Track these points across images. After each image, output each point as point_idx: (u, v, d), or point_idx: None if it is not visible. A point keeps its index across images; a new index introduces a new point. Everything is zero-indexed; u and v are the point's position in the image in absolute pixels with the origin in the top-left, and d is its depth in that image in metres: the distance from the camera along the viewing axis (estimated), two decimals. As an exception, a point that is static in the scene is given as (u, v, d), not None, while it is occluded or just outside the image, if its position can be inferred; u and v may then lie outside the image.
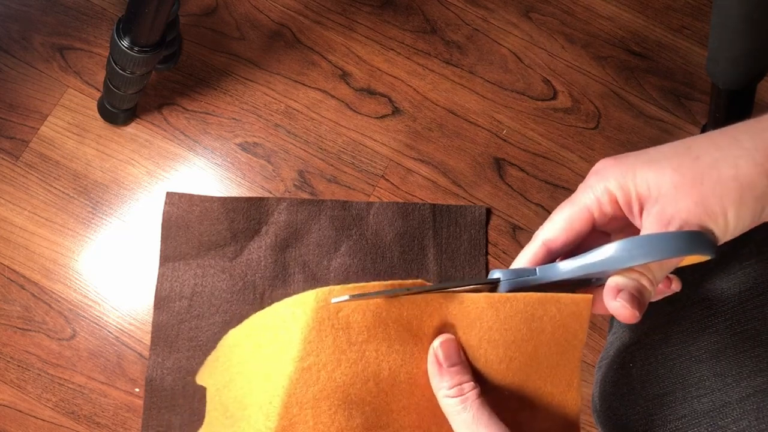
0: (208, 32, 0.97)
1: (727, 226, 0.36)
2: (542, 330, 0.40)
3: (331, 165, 0.93)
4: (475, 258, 0.91)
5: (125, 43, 0.77)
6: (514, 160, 0.95)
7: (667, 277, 0.42)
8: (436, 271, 0.88)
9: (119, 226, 0.90)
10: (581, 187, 0.40)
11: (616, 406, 0.54)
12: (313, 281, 0.88)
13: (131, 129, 0.93)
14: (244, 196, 0.91)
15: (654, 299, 0.43)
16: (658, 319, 0.52)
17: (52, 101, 0.93)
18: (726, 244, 0.50)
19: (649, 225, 0.37)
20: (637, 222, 0.39)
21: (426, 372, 0.39)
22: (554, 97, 0.98)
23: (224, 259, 0.88)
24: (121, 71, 0.80)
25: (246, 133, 0.94)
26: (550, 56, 1.00)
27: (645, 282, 0.37)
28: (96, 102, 0.93)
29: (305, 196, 0.92)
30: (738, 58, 0.80)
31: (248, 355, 0.40)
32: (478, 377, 0.40)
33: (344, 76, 0.97)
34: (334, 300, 0.36)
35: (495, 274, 0.40)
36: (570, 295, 0.41)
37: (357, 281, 0.93)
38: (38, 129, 0.92)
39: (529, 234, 0.88)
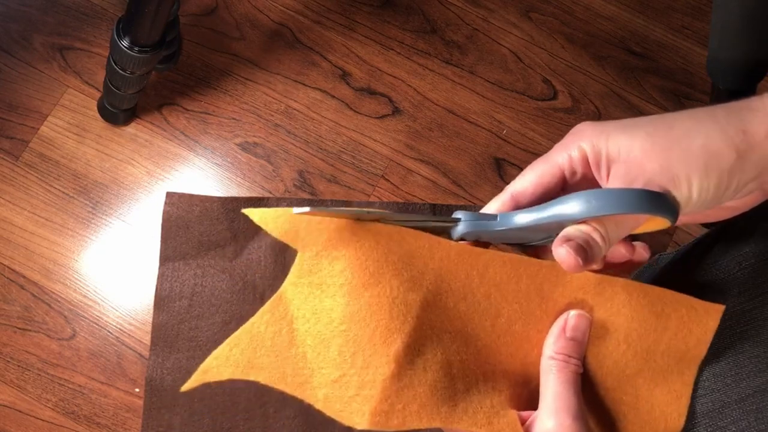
0: (208, 32, 0.97)
1: (690, 194, 0.36)
2: (667, 327, 0.41)
3: (331, 165, 0.93)
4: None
5: (125, 43, 0.77)
6: (515, 160, 0.95)
7: (632, 244, 0.43)
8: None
9: (119, 226, 0.90)
10: (557, 146, 0.40)
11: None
12: (313, 281, 0.88)
13: (131, 129, 0.93)
14: (244, 196, 0.91)
15: (621, 268, 0.43)
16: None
17: (52, 101, 0.93)
18: (727, 243, 0.50)
19: (612, 184, 0.38)
20: (604, 184, 0.39)
21: (541, 332, 0.41)
22: (554, 97, 0.98)
23: (224, 259, 0.88)
24: (121, 71, 0.80)
25: (246, 133, 0.94)
26: (551, 56, 0.99)
27: (596, 236, 0.37)
28: (96, 102, 0.93)
29: (305, 196, 0.92)
30: (738, 58, 0.80)
31: (376, 258, 0.39)
32: (591, 358, 0.41)
33: (344, 76, 0.97)
34: (295, 210, 0.37)
35: (457, 214, 0.41)
36: (703, 302, 0.41)
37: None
38: (38, 129, 0.92)
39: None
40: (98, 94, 0.93)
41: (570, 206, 0.37)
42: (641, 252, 0.43)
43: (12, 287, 0.87)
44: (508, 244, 0.45)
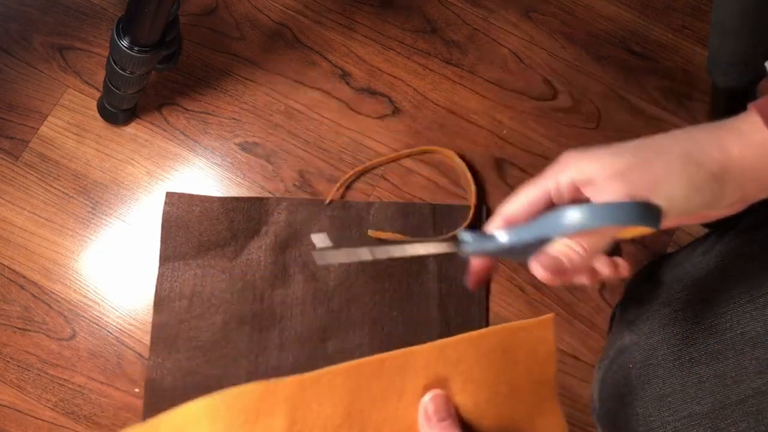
0: (208, 32, 0.97)
1: (672, 202, 0.38)
2: (517, 361, 0.42)
3: (331, 165, 0.93)
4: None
5: (125, 43, 0.77)
6: (515, 160, 0.95)
7: (614, 261, 0.44)
8: (436, 270, 0.88)
9: (119, 226, 0.90)
10: (546, 170, 0.42)
11: (616, 407, 0.54)
12: (313, 281, 0.88)
13: (131, 129, 0.93)
14: (244, 196, 0.91)
15: (601, 282, 0.45)
16: (657, 320, 0.52)
17: (52, 101, 0.93)
18: (728, 244, 0.50)
19: (600, 198, 0.40)
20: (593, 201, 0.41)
21: (411, 426, 0.40)
22: (554, 97, 0.98)
23: (224, 259, 0.88)
24: (120, 71, 0.80)
25: (246, 133, 0.94)
26: (551, 56, 0.99)
27: (578, 249, 0.39)
28: (96, 102, 0.93)
29: (305, 196, 0.92)
30: (738, 58, 0.80)
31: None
32: (470, 416, 0.41)
33: (344, 76, 0.97)
34: (313, 237, 0.39)
35: (461, 234, 0.43)
36: (532, 319, 0.42)
37: (356, 281, 0.93)
38: (38, 129, 0.92)
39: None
40: (98, 94, 0.93)
41: (557, 223, 0.39)
42: (623, 272, 0.44)
43: (12, 287, 0.87)
44: (513, 261, 0.47)
